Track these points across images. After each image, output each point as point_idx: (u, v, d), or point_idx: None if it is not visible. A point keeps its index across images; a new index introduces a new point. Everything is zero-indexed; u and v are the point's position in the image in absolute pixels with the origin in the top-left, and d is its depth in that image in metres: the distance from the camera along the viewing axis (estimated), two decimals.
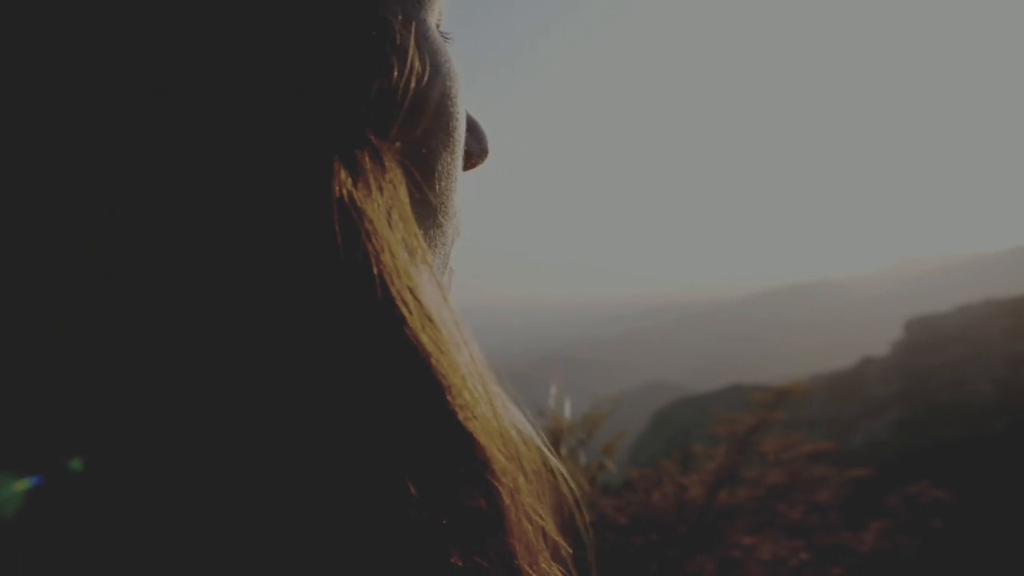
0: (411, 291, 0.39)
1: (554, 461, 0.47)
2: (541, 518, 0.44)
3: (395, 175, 0.42)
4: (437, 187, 0.50)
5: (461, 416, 0.39)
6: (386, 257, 0.39)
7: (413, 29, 0.46)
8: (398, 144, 0.44)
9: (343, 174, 0.38)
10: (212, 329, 0.35)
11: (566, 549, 0.49)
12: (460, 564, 0.38)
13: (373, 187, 0.40)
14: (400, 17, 0.44)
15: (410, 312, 0.39)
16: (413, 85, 0.44)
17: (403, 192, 0.42)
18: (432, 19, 0.50)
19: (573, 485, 0.49)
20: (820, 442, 15.21)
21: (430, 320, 0.40)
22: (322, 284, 0.37)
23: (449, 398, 0.39)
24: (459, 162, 0.52)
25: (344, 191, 0.38)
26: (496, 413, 0.42)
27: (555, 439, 14.96)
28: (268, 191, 0.37)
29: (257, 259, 0.36)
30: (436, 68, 0.48)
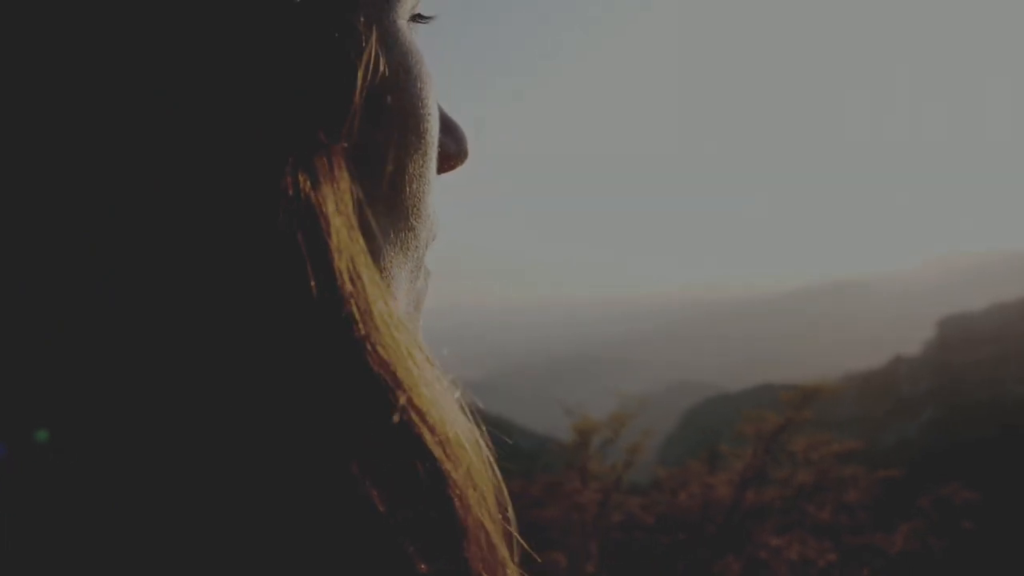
0: (363, 295, 0.39)
1: (494, 472, 0.47)
2: (494, 527, 0.44)
3: (344, 178, 0.41)
4: (408, 190, 0.49)
5: (415, 426, 0.40)
6: (338, 259, 0.39)
7: (379, 31, 0.45)
8: (353, 145, 0.43)
9: (299, 176, 0.38)
10: (176, 328, 0.36)
11: (525, 554, 0.48)
12: (424, 570, 0.38)
13: (327, 190, 0.39)
14: (363, 19, 0.44)
15: (361, 316, 0.39)
16: (378, 87, 0.44)
17: (348, 196, 0.41)
18: (403, 19, 0.49)
19: (505, 496, 0.48)
20: (851, 441, 15.11)
21: (376, 323, 0.40)
22: (273, 287, 0.37)
23: (402, 405, 0.39)
24: (432, 164, 0.51)
25: (300, 194, 0.38)
26: (449, 423, 0.42)
27: (583, 439, 15.05)
28: (226, 190, 0.37)
29: (215, 260, 0.36)
30: (405, 70, 0.48)
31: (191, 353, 0.36)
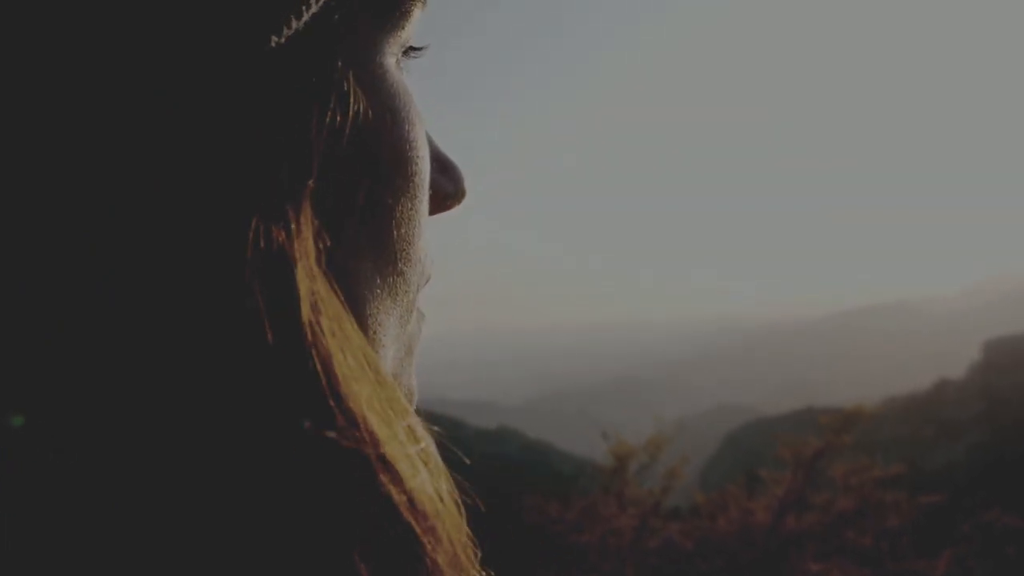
0: (322, 346, 0.39)
1: (464, 526, 0.46)
2: None
3: (309, 226, 0.41)
4: (395, 234, 0.48)
5: (378, 481, 0.39)
6: (302, 309, 0.39)
7: (362, 75, 0.45)
8: (336, 192, 0.43)
9: (265, 226, 0.38)
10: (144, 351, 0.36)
11: None
12: None
13: (293, 239, 0.39)
14: (341, 64, 0.43)
15: (321, 368, 0.39)
16: (362, 132, 0.44)
17: (312, 245, 0.41)
18: (391, 58, 0.49)
19: (474, 548, 0.47)
20: (895, 465, 14.97)
21: (335, 375, 0.39)
22: (236, 336, 0.37)
23: (365, 458, 0.39)
24: (422, 207, 0.50)
25: (267, 243, 0.38)
26: (417, 477, 0.41)
27: (620, 463, 15.06)
28: (191, 239, 0.37)
29: (183, 304, 0.37)
30: (392, 113, 0.47)
31: (160, 388, 0.36)
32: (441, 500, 0.43)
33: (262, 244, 0.38)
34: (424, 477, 0.42)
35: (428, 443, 0.45)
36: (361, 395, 0.40)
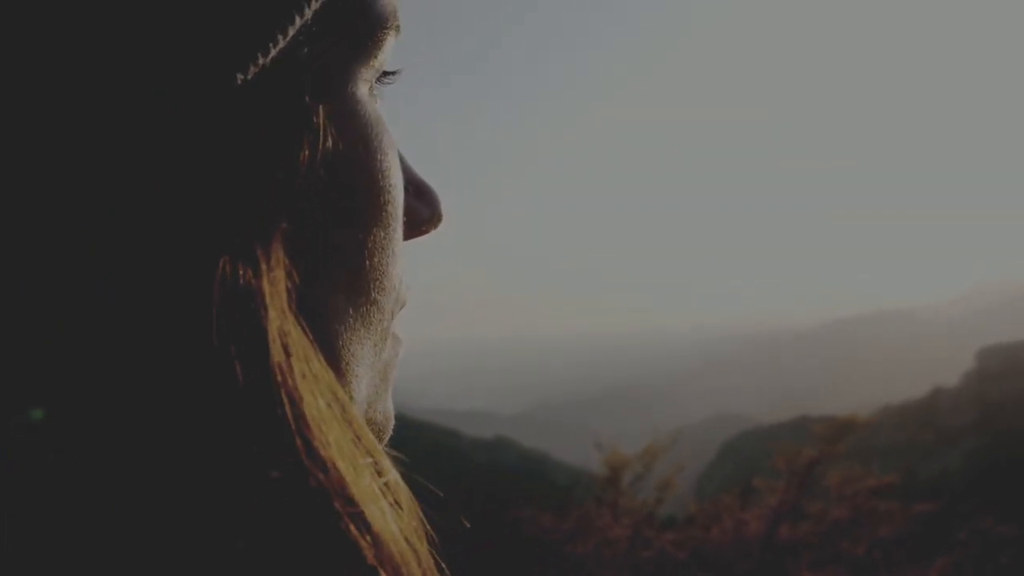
0: (293, 387, 0.39)
1: (433, 566, 0.45)
2: None
3: (280, 266, 0.40)
4: (368, 263, 0.48)
5: (345, 525, 0.38)
6: (272, 350, 0.38)
7: (334, 107, 0.45)
8: (307, 224, 0.43)
9: (234, 266, 0.38)
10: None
11: None
12: None
13: (262, 279, 0.39)
14: (311, 98, 0.43)
15: (291, 410, 0.38)
16: (333, 164, 0.44)
17: (283, 285, 0.40)
18: (363, 88, 0.49)
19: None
20: (890, 473, 15.01)
21: (305, 416, 0.39)
22: (207, 379, 0.37)
23: (330, 502, 0.38)
24: (395, 235, 0.50)
25: (236, 283, 0.38)
26: (384, 519, 0.41)
27: (614, 473, 15.09)
28: (160, 284, 0.37)
29: (154, 353, 0.36)
30: (364, 143, 0.47)
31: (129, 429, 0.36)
32: (408, 542, 0.42)
33: (231, 283, 0.37)
34: (391, 519, 0.41)
35: (397, 481, 0.45)
36: (330, 437, 0.40)
